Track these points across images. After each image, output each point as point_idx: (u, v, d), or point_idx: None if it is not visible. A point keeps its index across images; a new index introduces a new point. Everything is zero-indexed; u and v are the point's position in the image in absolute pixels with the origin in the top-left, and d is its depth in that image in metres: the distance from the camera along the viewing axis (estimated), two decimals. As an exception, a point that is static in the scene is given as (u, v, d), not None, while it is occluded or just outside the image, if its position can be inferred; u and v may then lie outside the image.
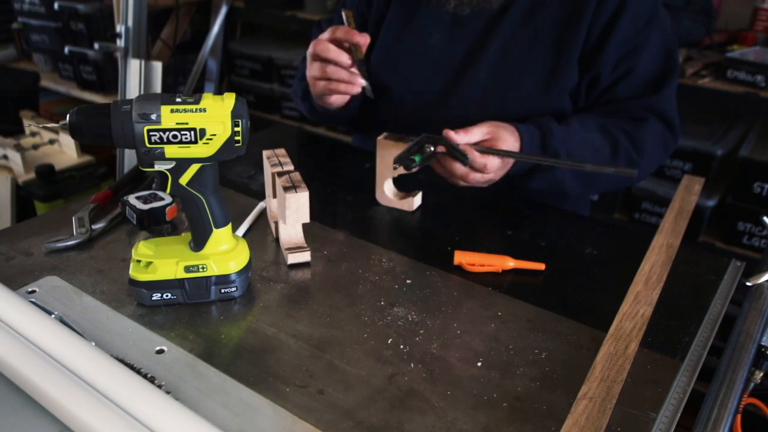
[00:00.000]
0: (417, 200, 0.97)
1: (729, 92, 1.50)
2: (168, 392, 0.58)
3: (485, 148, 0.87)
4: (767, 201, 1.57)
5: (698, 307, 0.76)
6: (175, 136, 0.63)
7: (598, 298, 0.78)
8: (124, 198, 0.88)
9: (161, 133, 0.63)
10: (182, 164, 0.66)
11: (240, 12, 2.39)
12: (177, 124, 0.63)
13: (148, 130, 0.62)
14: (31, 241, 0.83)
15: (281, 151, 0.88)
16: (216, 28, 2.36)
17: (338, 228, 0.90)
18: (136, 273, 0.70)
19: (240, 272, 0.73)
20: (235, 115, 0.64)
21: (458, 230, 0.92)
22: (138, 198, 0.88)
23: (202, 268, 0.71)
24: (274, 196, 0.86)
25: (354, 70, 0.95)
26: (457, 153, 0.85)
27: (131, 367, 0.61)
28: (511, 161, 0.92)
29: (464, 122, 0.90)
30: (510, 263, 0.81)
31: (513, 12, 1.00)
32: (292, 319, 0.71)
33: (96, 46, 2.26)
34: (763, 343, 0.70)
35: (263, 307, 0.73)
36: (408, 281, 0.79)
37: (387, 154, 0.93)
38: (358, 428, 0.57)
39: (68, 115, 0.63)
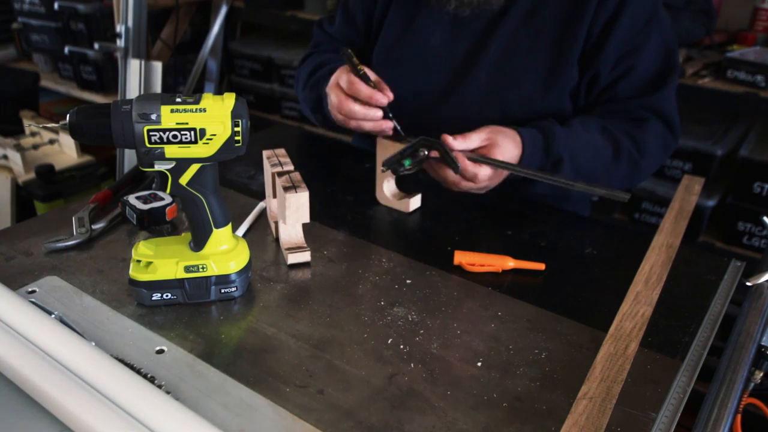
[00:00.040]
0: (416, 202, 0.97)
1: (729, 92, 1.50)
2: (168, 392, 0.58)
3: (478, 156, 0.86)
4: (767, 201, 1.57)
5: (698, 307, 0.76)
6: (175, 136, 0.63)
7: (598, 298, 0.78)
8: (124, 198, 0.88)
9: (161, 133, 0.63)
10: (182, 164, 0.66)
11: (240, 12, 2.39)
12: (177, 124, 0.63)
13: (148, 130, 0.62)
14: (31, 241, 0.83)
15: (281, 151, 0.88)
16: (216, 28, 2.36)
17: (338, 228, 0.90)
18: (136, 273, 0.70)
19: (240, 272, 0.73)
20: (235, 115, 0.64)
21: (458, 230, 0.92)
22: (138, 198, 0.88)
23: (202, 268, 0.71)
24: (274, 196, 0.86)
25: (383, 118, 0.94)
26: (449, 160, 0.84)
27: (131, 367, 0.61)
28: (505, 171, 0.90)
29: (464, 122, 0.90)
30: (510, 263, 0.81)
31: (513, 13, 1.00)
32: (292, 319, 0.71)
33: (96, 46, 2.26)
34: (763, 343, 0.70)
35: (263, 307, 0.73)
36: (408, 281, 0.79)
37: (387, 154, 0.93)
38: (358, 428, 0.57)
39: (68, 115, 0.63)
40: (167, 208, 0.86)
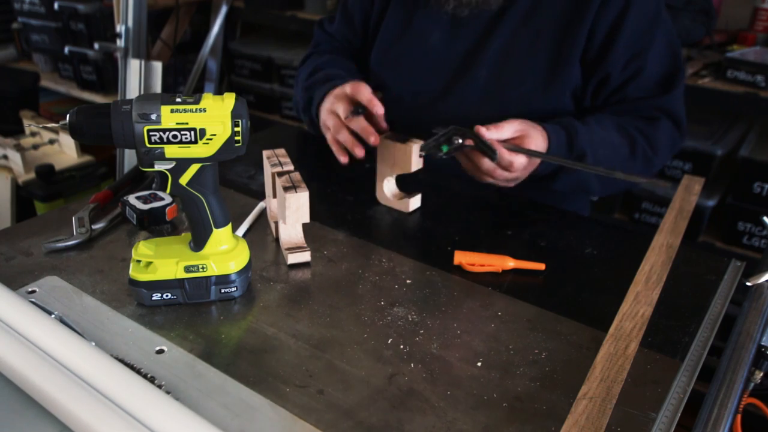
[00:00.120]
0: (415, 202, 0.97)
1: (729, 92, 1.50)
2: (168, 392, 0.58)
3: (514, 146, 0.87)
4: (767, 201, 1.57)
5: (698, 307, 0.76)
6: (175, 136, 0.63)
7: (598, 298, 0.78)
8: (124, 198, 0.88)
9: (161, 133, 0.63)
10: (182, 164, 0.66)
11: (240, 12, 2.39)
12: (177, 124, 0.63)
13: (148, 130, 0.62)
14: (31, 241, 0.83)
15: (281, 151, 0.88)
16: (216, 28, 2.36)
17: (338, 228, 0.90)
18: (136, 273, 0.70)
19: (240, 272, 0.73)
20: (235, 115, 0.64)
21: (458, 230, 0.92)
22: (138, 198, 0.88)
23: (202, 268, 0.71)
24: (274, 196, 0.86)
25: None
26: (485, 148, 0.84)
27: (131, 367, 0.61)
28: (537, 161, 0.91)
29: (463, 122, 0.90)
30: (510, 263, 0.81)
31: (512, 13, 1.00)
32: (292, 319, 0.71)
33: (96, 46, 2.26)
34: (763, 343, 0.70)
35: (263, 307, 0.73)
36: (408, 281, 0.79)
37: (388, 154, 0.93)
38: (358, 428, 0.57)
39: (68, 115, 0.63)
40: (167, 208, 0.86)
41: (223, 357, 0.65)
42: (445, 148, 0.85)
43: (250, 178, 1.05)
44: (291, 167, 0.84)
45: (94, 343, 0.63)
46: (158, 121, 0.62)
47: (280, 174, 0.81)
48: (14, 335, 0.56)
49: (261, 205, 0.94)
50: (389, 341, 0.68)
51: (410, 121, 1.00)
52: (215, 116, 0.64)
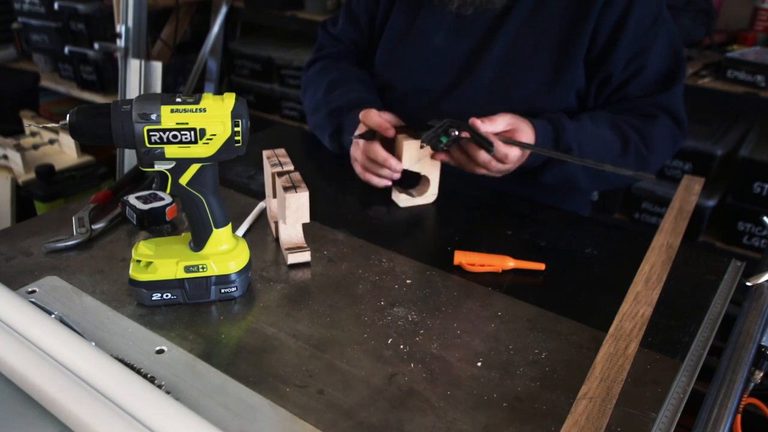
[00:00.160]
0: (432, 192, 0.98)
1: (729, 92, 1.50)
2: (168, 392, 0.58)
3: (508, 138, 0.89)
4: (767, 201, 1.57)
5: (698, 307, 0.76)
6: (175, 136, 0.63)
7: (598, 298, 0.78)
8: (124, 198, 0.88)
9: (161, 133, 0.63)
10: (182, 164, 0.66)
11: (240, 12, 2.39)
12: (177, 124, 0.63)
13: (148, 130, 0.62)
14: (31, 241, 0.83)
15: (281, 151, 0.88)
16: (216, 28, 2.36)
17: (338, 228, 0.90)
18: (136, 273, 0.70)
19: (240, 272, 0.73)
20: (235, 115, 0.64)
21: (458, 230, 0.92)
22: (138, 198, 0.88)
23: (202, 268, 0.71)
24: (274, 196, 0.86)
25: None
26: (482, 140, 0.86)
27: (131, 367, 0.61)
28: (527, 153, 0.93)
29: (467, 120, 0.90)
30: (510, 263, 0.81)
31: (517, 12, 1.00)
32: (292, 319, 0.71)
33: (96, 46, 2.26)
34: (763, 343, 0.70)
35: (263, 307, 0.73)
36: (408, 281, 0.79)
37: (403, 150, 0.94)
38: (358, 428, 0.57)
39: (68, 115, 0.62)
40: (167, 208, 0.86)
41: (223, 357, 0.65)
42: (444, 139, 0.87)
43: (250, 178, 1.05)
44: (291, 167, 0.84)
45: (94, 343, 0.63)
46: (158, 121, 0.62)
47: (280, 174, 0.81)
48: (14, 335, 0.56)
49: (261, 205, 0.94)
50: (389, 341, 0.68)
51: (415, 121, 1.00)
52: (215, 116, 0.64)
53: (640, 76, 1.00)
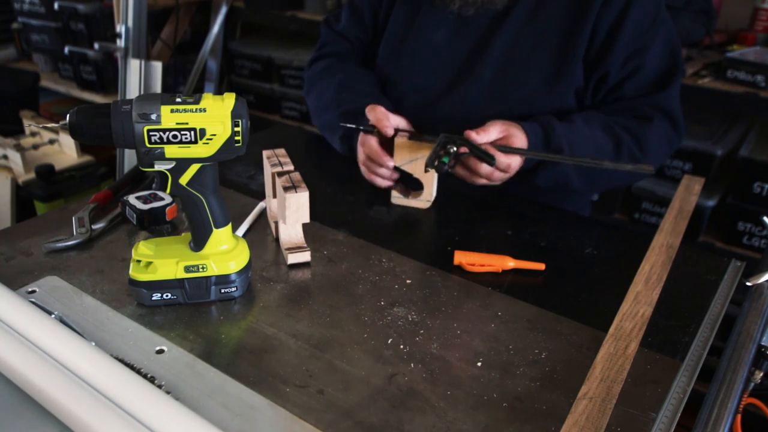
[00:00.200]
0: (428, 195, 0.98)
1: (729, 92, 1.50)
2: (168, 392, 0.58)
3: (507, 147, 0.89)
4: (767, 201, 1.57)
5: (698, 307, 0.76)
6: (175, 136, 0.63)
7: (598, 298, 0.78)
8: (124, 198, 0.88)
9: (161, 133, 0.63)
10: (182, 164, 0.66)
11: (240, 12, 2.39)
12: (177, 124, 0.63)
13: (148, 130, 0.62)
14: (31, 241, 0.83)
15: (281, 151, 0.88)
16: (216, 28, 2.36)
17: (338, 228, 0.90)
18: (136, 273, 0.70)
19: (240, 272, 0.73)
20: (235, 115, 0.64)
21: (458, 230, 0.92)
22: (138, 198, 0.88)
23: (202, 268, 0.71)
24: (274, 196, 0.86)
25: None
26: (482, 154, 0.85)
27: (131, 367, 0.61)
28: (524, 158, 0.93)
29: (468, 120, 0.90)
30: (510, 263, 0.81)
31: (517, 11, 1.00)
32: (292, 319, 0.71)
33: (96, 46, 2.26)
34: (763, 343, 0.70)
35: (263, 307, 0.73)
36: (408, 281, 0.79)
37: (404, 154, 0.94)
38: (358, 428, 0.57)
39: (68, 115, 0.63)
40: (167, 208, 0.86)
41: (223, 357, 0.65)
42: (446, 159, 0.86)
43: (250, 178, 1.05)
44: (291, 167, 0.84)
45: (94, 343, 0.63)
46: (158, 121, 0.62)
47: (280, 174, 0.81)
48: (14, 335, 0.56)
49: (261, 205, 0.94)
50: (389, 341, 0.68)
51: (414, 119, 1.01)
52: (215, 116, 0.64)
53: (637, 75, 1.00)
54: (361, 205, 0.98)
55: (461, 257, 0.81)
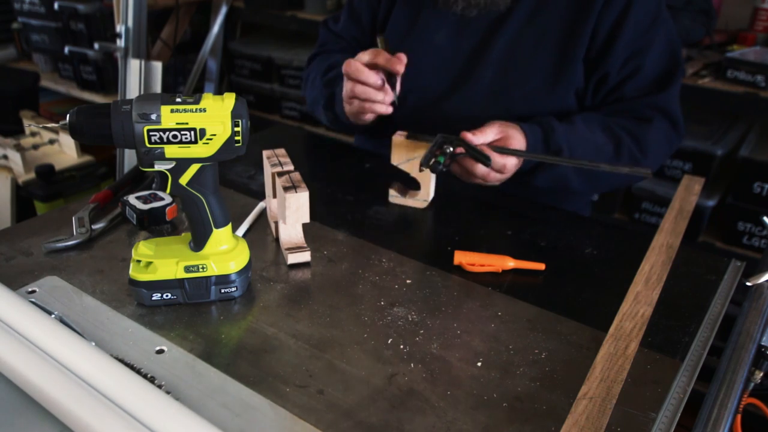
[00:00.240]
0: (425, 194, 0.98)
1: (729, 92, 1.50)
2: (168, 392, 0.58)
3: (503, 148, 0.89)
4: (767, 201, 1.57)
5: (698, 307, 0.76)
6: (175, 136, 0.63)
7: (598, 298, 0.78)
8: (124, 198, 0.88)
9: (161, 133, 0.63)
10: (182, 164, 0.66)
11: (240, 12, 2.39)
12: (177, 124, 0.63)
13: (148, 130, 0.62)
14: (31, 241, 0.83)
15: (281, 151, 0.88)
16: (216, 28, 2.37)
17: (338, 228, 0.90)
18: (136, 273, 0.70)
19: (240, 272, 0.73)
20: (235, 115, 0.64)
21: (458, 230, 0.92)
22: (138, 198, 0.88)
23: (202, 268, 0.71)
24: (274, 196, 0.86)
25: (387, 89, 0.95)
26: (477, 155, 0.86)
27: (131, 367, 0.61)
28: (522, 159, 0.93)
29: (469, 120, 0.90)
30: (510, 263, 0.81)
31: (518, 12, 1.01)
32: (292, 319, 0.71)
33: (96, 46, 2.26)
34: (763, 343, 0.70)
35: (263, 307, 0.73)
36: (408, 281, 0.79)
37: (402, 153, 0.94)
38: (358, 428, 0.57)
39: (68, 115, 0.63)
40: (167, 208, 0.86)
41: (223, 357, 0.65)
42: (441, 159, 0.87)
43: (250, 178, 1.05)
44: (291, 167, 0.84)
45: (94, 343, 0.63)
46: (158, 121, 0.62)
47: (280, 174, 0.81)
48: (14, 335, 0.56)
49: (261, 205, 0.94)
50: (389, 341, 0.68)
51: (415, 120, 1.01)
52: (215, 116, 0.64)
53: (637, 76, 1.00)
54: (360, 205, 0.98)
55: (461, 257, 0.81)
